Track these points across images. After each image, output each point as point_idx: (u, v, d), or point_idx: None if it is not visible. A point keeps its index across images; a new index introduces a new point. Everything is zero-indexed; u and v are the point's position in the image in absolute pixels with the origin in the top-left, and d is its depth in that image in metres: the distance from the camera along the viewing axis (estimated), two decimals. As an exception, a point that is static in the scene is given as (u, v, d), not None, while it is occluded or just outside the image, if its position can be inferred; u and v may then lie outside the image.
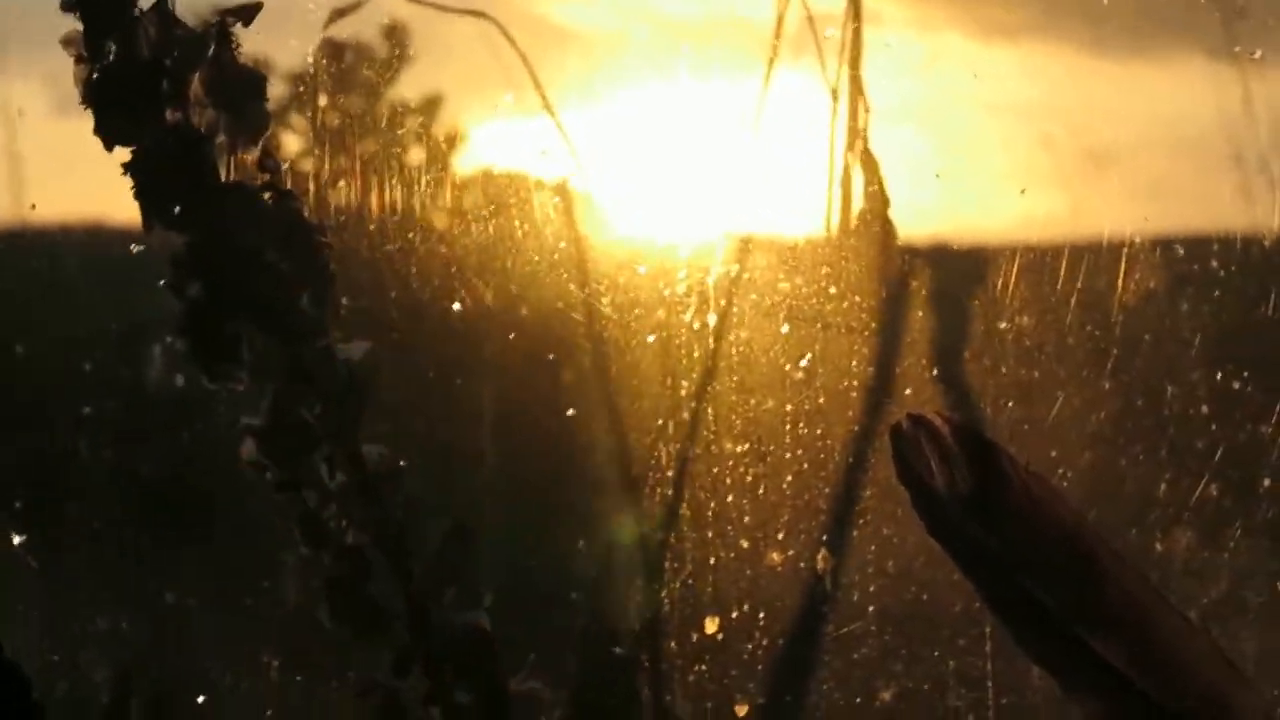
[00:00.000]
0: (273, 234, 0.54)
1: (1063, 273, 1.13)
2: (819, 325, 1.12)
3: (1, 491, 1.18)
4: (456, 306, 1.13)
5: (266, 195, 0.54)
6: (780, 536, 1.14)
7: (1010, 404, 1.15)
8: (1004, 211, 1.18)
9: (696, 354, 1.12)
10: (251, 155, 0.55)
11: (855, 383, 1.13)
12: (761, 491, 1.13)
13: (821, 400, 1.13)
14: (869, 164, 1.15)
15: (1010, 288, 1.13)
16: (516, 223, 1.13)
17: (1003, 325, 1.15)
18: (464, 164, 1.20)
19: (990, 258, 1.16)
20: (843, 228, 1.16)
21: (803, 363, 1.12)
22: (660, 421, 1.13)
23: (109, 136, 0.53)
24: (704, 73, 1.13)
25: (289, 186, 0.55)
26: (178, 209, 0.54)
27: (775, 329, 1.12)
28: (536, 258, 1.12)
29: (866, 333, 1.14)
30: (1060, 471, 1.13)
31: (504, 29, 1.13)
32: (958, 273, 1.20)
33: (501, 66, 1.12)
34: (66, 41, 0.53)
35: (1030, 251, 1.14)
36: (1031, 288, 1.14)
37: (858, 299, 1.13)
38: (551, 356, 1.14)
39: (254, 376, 0.54)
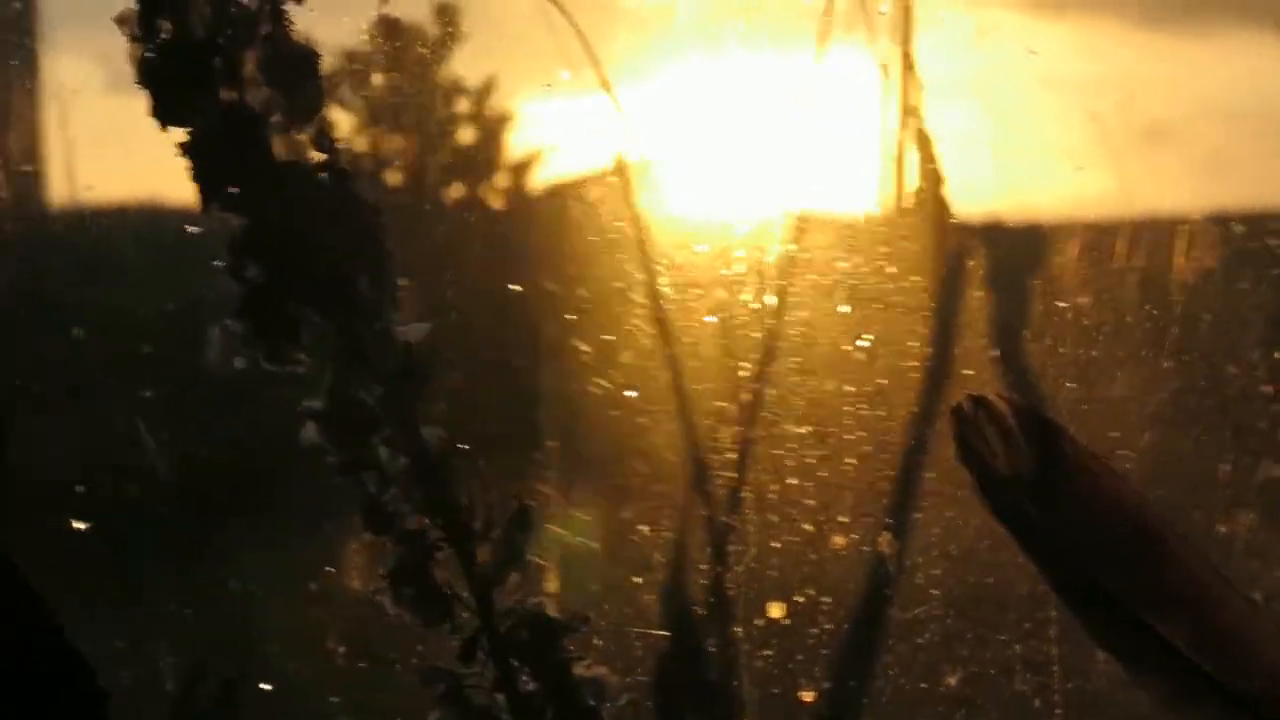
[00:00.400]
0: (330, 215, 0.54)
1: (1120, 250, 1.13)
2: (878, 305, 1.11)
3: (62, 477, 1.19)
4: (515, 287, 1.13)
5: (323, 175, 0.54)
6: (843, 520, 1.13)
7: (1070, 384, 1.14)
8: (1060, 188, 1.17)
9: (756, 334, 1.11)
10: (307, 135, 0.54)
11: (915, 363, 1.13)
12: (823, 474, 1.12)
13: (882, 380, 1.12)
14: (923, 141, 1.15)
15: (1068, 266, 1.13)
16: (573, 202, 1.12)
17: (1061, 304, 1.14)
18: (519, 143, 1.20)
19: (1047, 235, 1.16)
20: (898, 206, 1.15)
21: (862, 343, 1.12)
22: (721, 402, 1.12)
23: (164, 116, 0.53)
24: (758, 49, 1.13)
25: (345, 166, 0.55)
26: (234, 190, 0.53)
27: (834, 309, 1.12)
28: (594, 238, 1.12)
29: (925, 312, 1.13)
30: (1121, 452, 1.13)
31: (559, 5, 1.12)
32: (1015, 251, 1.19)
33: (557, 44, 1.12)
34: (121, 20, 0.53)
35: (1087, 229, 1.13)
36: (1089, 266, 1.13)
37: (916, 278, 1.13)
38: (610, 337, 1.14)
39: (313, 359, 0.54)
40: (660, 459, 1.15)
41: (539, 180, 1.19)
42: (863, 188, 1.16)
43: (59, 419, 1.24)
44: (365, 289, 0.54)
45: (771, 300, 1.11)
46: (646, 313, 1.11)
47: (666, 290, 1.11)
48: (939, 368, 1.14)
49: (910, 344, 1.13)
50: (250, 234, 0.53)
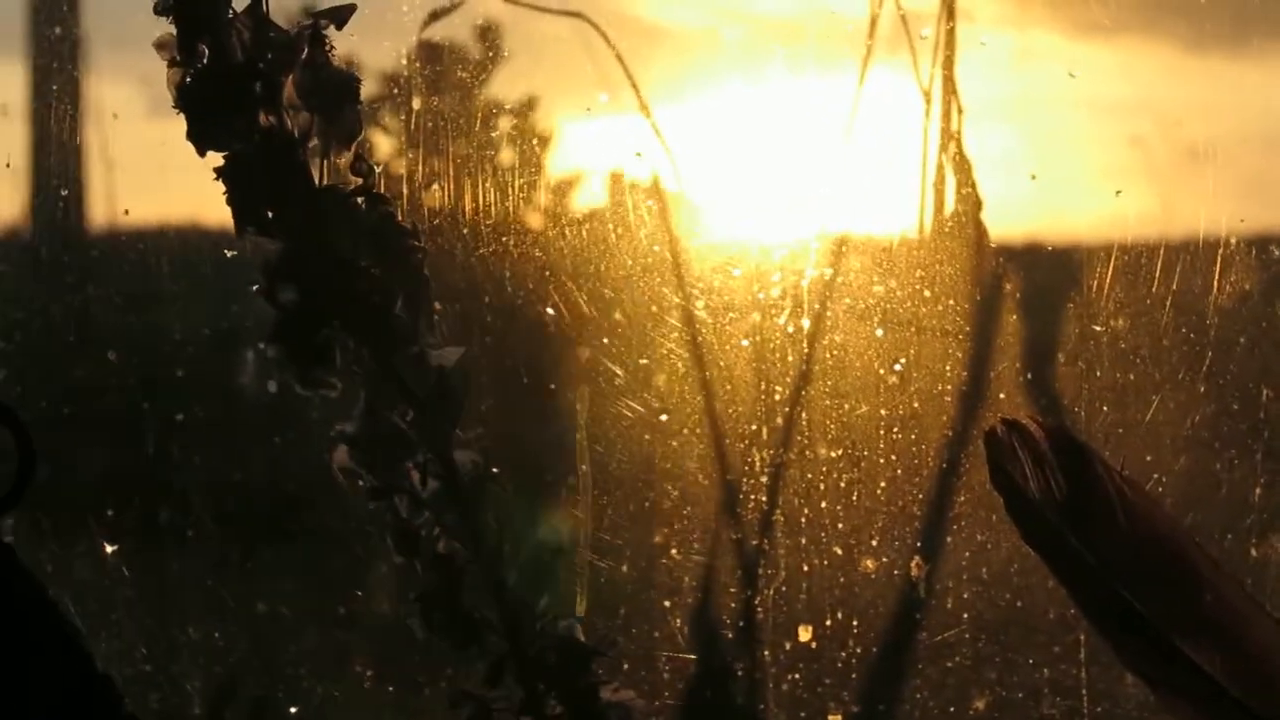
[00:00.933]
0: (366, 239, 0.54)
1: (1158, 274, 1.12)
2: (913, 328, 1.11)
3: (94, 499, 1.19)
4: (550, 311, 1.13)
5: (360, 200, 0.54)
6: (874, 543, 1.13)
7: (1105, 407, 1.14)
8: (1098, 211, 1.17)
9: (791, 358, 1.11)
10: (345, 159, 0.55)
11: (949, 387, 1.12)
12: (855, 497, 1.12)
13: (916, 405, 1.12)
14: (962, 165, 1.14)
15: (1105, 289, 1.12)
16: (610, 225, 1.13)
17: (1097, 328, 1.14)
18: (558, 166, 1.20)
19: (1084, 258, 1.15)
20: (936, 230, 1.15)
21: (897, 367, 1.12)
22: (754, 426, 1.12)
23: (202, 141, 0.53)
24: (797, 72, 1.13)
25: (382, 190, 0.55)
26: (270, 213, 0.53)
27: (869, 332, 1.12)
28: (630, 261, 1.12)
29: (960, 336, 1.13)
30: (1155, 476, 1.12)
31: (599, 28, 1.13)
32: (1052, 274, 1.18)
33: (596, 66, 1.12)
34: (160, 45, 0.53)
35: (1125, 252, 1.13)
36: (1126, 289, 1.13)
37: (951, 302, 1.13)
38: (645, 360, 1.14)
39: (347, 382, 0.54)
40: (692, 482, 1.15)
41: (576, 202, 1.19)
42: (900, 211, 1.16)
43: (93, 441, 1.24)
44: (400, 313, 0.54)
45: (806, 324, 1.11)
46: (681, 336, 1.12)
47: (702, 314, 1.11)
48: (973, 391, 1.13)
49: (945, 368, 1.13)
50: (286, 257, 0.53)
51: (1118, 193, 1.13)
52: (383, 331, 0.54)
